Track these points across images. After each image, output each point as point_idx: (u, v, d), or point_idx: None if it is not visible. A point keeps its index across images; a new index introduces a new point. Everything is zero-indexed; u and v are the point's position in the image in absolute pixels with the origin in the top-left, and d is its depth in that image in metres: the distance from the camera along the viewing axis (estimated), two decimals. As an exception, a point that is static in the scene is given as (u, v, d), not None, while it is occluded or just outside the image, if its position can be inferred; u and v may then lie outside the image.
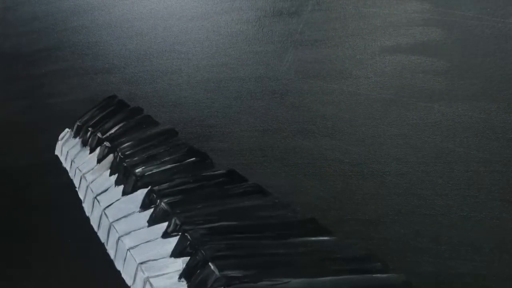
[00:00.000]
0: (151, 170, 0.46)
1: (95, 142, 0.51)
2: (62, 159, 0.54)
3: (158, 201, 0.44)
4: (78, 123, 0.53)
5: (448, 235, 0.33)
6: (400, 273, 0.34)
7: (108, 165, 0.49)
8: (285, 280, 0.37)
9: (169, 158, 0.45)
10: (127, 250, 0.45)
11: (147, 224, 0.45)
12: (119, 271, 0.46)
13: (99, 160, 0.50)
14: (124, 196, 0.47)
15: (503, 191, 0.32)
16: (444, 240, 0.33)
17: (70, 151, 0.54)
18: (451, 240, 0.33)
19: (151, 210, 0.45)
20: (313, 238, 0.37)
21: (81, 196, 0.51)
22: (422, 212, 0.34)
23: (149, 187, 0.45)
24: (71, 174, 0.53)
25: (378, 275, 0.34)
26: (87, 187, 0.50)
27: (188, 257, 0.41)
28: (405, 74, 0.35)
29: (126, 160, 0.48)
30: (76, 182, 0.52)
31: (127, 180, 0.47)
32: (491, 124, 0.33)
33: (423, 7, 0.36)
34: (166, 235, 0.43)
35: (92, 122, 0.52)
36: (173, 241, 0.43)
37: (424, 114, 0.35)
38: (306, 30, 0.39)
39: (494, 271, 0.32)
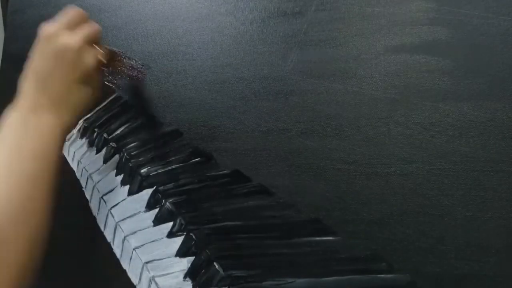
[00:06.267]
0: (156, 170, 0.46)
1: (101, 142, 0.52)
2: (69, 159, 0.55)
3: (163, 201, 0.45)
4: (84, 124, 0.54)
5: (453, 235, 0.33)
6: (405, 273, 0.34)
7: (114, 165, 0.50)
8: (290, 280, 0.37)
9: (174, 158, 0.46)
10: (133, 249, 0.46)
11: (152, 224, 0.45)
12: (125, 270, 0.46)
13: (105, 160, 0.51)
14: (130, 196, 0.48)
15: (509, 191, 0.32)
16: (449, 240, 0.33)
17: (77, 151, 0.54)
18: (457, 240, 0.33)
19: (157, 210, 0.45)
20: (318, 238, 0.37)
21: (87, 196, 0.52)
22: (427, 212, 0.34)
23: (155, 187, 0.46)
24: (77, 174, 0.53)
25: (383, 275, 0.34)
26: (93, 187, 0.51)
27: (193, 257, 0.42)
28: (410, 73, 0.35)
29: (132, 161, 0.48)
30: (82, 182, 0.53)
31: (133, 180, 0.47)
32: (497, 123, 0.33)
33: (428, 6, 0.35)
34: (171, 234, 0.44)
35: (98, 123, 0.53)
36: (178, 240, 0.43)
37: (429, 113, 0.34)
38: (310, 30, 0.39)
39: (501, 272, 0.32)
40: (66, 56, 0.36)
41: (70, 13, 0.39)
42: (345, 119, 0.37)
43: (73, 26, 0.38)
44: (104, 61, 0.40)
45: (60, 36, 0.36)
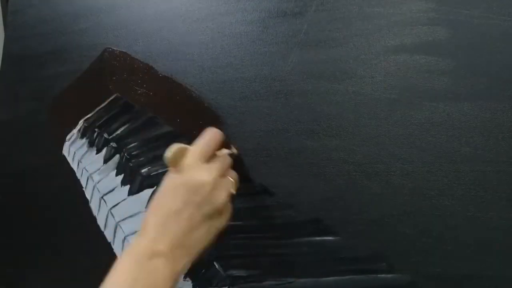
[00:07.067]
0: (156, 170, 0.46)
1: (101, 142, 0.52)
2: (69, 159, 0.55)
3: (164, 201, 0.45)
4: (85, 124, 0.54)
5: (453, 235, 0.33)
6: (405, 273, 0.34)
7: (115, 165, 0.50)
8: (290, 280, 0.37)
9: (174, 158, 0.45)
10: (133, 249, 0.45)
11: (152, 224, 0.45)
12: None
13: (105, 160, 0.51)
14: (130, 196, 0.48)
15: (509, 191, 0.32)
16: (449, 240, 0.33)
17: (77, 151, 0.54)
18: (457, 240, 0.33)
19: (157, 210, 0.45)
20: (318, 238, 0.37)
21: (88, 196, 0.52)
22: (427, 212, 0.34)
23: (155, 187, 0.46)
24: (78, 174, 0.53)
25: (383, 275, 0.34)
26: (93, 187, 0.51)
27: (193, 257, 0.42)
28: (410, 73, 0.35)
29: (132, 161, 0.48)
30: (83, 182, 0.53)
31: (133, 180, 0.48)
32: (497, 123, 0.33)
33: (428, 6, 0.35)
34: (171, 234, 0.43)
35: (99, 123, 0.53)
36: (178, 240, 0.43)
37: (429, 113, 0.34)
38: (310, 31, 0.39)
39: (500, 272, 0.32)
40: (199, 193, 0.32)
41: (209, 138, 0.35)
42: (345, 119, 0.37)
43: (209, 155, 0.35)
44: (235, 192, 0.35)
45: (196, 171, 0.33)
